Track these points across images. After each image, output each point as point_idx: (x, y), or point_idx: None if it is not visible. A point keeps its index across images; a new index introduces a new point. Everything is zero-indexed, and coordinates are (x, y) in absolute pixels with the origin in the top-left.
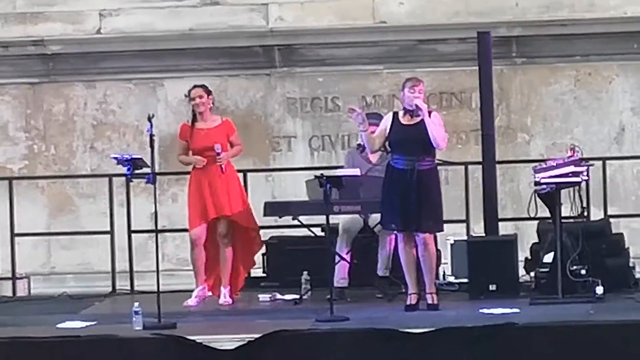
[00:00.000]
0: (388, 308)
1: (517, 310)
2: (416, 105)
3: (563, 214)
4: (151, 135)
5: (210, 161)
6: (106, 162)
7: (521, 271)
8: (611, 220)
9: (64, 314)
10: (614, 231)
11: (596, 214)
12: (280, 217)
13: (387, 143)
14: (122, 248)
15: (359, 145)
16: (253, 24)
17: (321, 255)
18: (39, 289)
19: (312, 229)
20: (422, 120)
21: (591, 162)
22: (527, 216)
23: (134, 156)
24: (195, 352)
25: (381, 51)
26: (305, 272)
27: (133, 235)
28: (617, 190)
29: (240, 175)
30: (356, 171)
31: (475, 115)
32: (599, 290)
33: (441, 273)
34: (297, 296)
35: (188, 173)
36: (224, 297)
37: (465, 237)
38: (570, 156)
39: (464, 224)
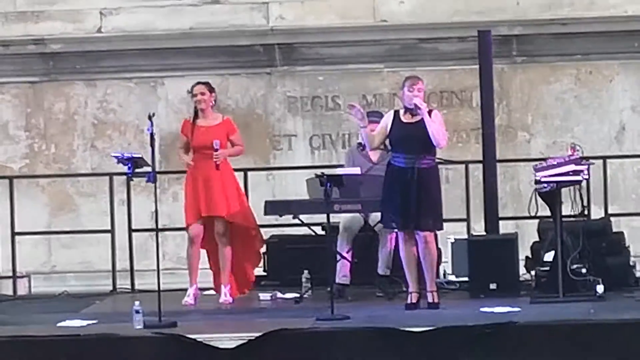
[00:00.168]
0: (388, 307)
1: (517, 309)
2: (415, 105)
3: (563, 213)
4: (152, 134)
5: (209, 159)
6: (107, 161)
7: (522, 270)
8: (612, 218)
9: (65, 312)
10: (614, 230)
11: (597, 213)
12: (280, 216)
13: (387, 141)
14: (123, 247)
15: (359, 144)
16: (254, 22)
17: (322, 254)
18: (39, 288)
19: (312, 227)
20: (423, 118)
21: (592, 160)
22: (528, 215)
23: (134, 155)
24: (195, 350)
25: (382, 50)
26: (305, 271)
27: (133, 234)
28: (617, 188)
29: (241, 174)
30: (357, 170)
31: (475, 114)
32: (600, 289)
33: (442, 272)
34: (298, 295)
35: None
36: (225, 296)
37: (465, 236)
38: (571, 155)
39: (465, 223)
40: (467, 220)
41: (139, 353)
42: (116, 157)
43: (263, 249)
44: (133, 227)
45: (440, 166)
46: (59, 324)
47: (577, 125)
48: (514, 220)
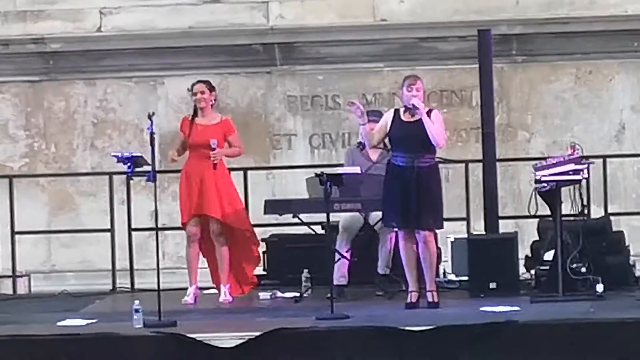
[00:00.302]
0: (388, 306)
1: (517, 308)
2: (413, 105)
3: (563, 212)
4: (151, 133)
5: (205, 158)
6: (106, 160)
7: (521, 269)
8: (611, 218)
9: (65, 311)
10: (614, 229)
11: (596, 212)
12: (280, 215)
13: (387, 140)
14: (123, 246)
15: (359, 143)
16: (253, 21)
17: (321, 253)
18: (39, 287)
19: (312, 226)
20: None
21: (591, 160)
22: (528, 214)
23: (134, 154)
24: (195, 350)
25: (382, 49)
26: (305, 270)
27: (133, 233)
28: (617, 188)
29: (241, 173)
30: (356, 169)
31: (475, 113)
32: (600, 288)
33: (441, 271)
34: (298, 294)
35: None
36: (224, 295)
37: (465, 235)
38: (571, 154)
39: (465, 222)
40: (467, 219)
41: (138, 352)
42: (116, 156)
43: (262, 249)
44: (133, 226)
45: (440, 165)
46: (59, 323)
47: (577, 124)
48: (514, 220)
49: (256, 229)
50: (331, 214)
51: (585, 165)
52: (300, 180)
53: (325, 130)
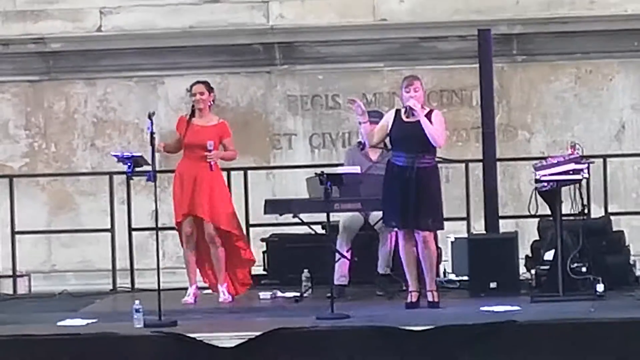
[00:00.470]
0: (388, 306)
1: (517, 307)
2: (408, 107)
3: (563, 212)
4: (152, 133)
5: (199, 159)
6: (106, 159)
7: (522, 269)
8: (612, 217)
9: (65, 311)
10: (614, 229)
11: (597, 212)
12: (280, 215)
13: (387, 140)
14: (123, 246)
15: (359, 142)
16: (254, 21)
17: (322, 253)
18: (39, 287)
19: (312, 226)
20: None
21: (592, 159)
22: (528, 214)
23: (134, 154)
24: (195, 349)
25: (382, 49)
26: (305, 270)
27: (133, 233)
28: (617, 187)
29: (241, 173)
30: (356, 169)
31: (475, 113)
32: (600, 287)
33: (442, 271)
34: (298, 294)
35: None
36: (223, 295)
37: (465, 235)
38: (571, 154)
39: (465, 222)
40: (467, 219)
41: (139, 352)
42: (116, 156)
43: (263, 249)
44: (133, 226)
45: (440, 165)
46: (59, 323)
47: (577, 124)
48: (514, 219)
49: (256, 229)
50: (331, 214)
51: (586, 165)
52: (300, 180)
53: (325, 130)
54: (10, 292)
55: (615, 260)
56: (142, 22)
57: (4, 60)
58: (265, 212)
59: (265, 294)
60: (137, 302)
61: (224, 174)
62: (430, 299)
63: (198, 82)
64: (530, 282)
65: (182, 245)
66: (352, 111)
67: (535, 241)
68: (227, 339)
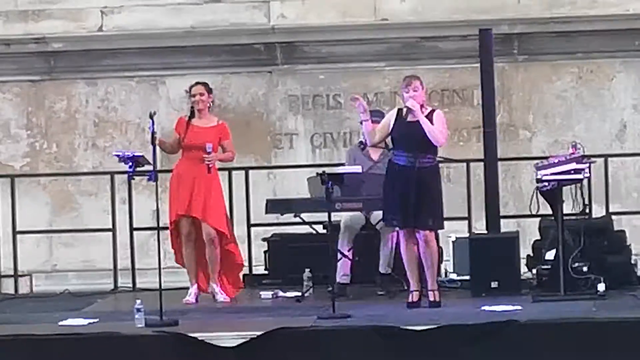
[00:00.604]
0: (390, 305)
1: (519, 307)
2: (407, 107)
3: (565, 211)
4: (153, 133)
5: (199, 160)
6: (108, 159)
7: (523, 268)
8: (613, 217)
9: (66, 311)
10: (615, 228)
11: (598, 211)
12: (282, 215)
13: (389, 139)
14: (124, 245)
15: (360, 142)
16: (255, 21)
17: (323, 253)
18: (41, 287)
19: (313, 226)
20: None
21: (593, 159)
22: (529, 213)
23: (135, 154)
24: (197, 349)
25: (383, 48)
26: (307, 270)
27: (135, 232)
28: (618, 187)
29: (242, 172)
30: (358, 168)
31: (476, 113)
32: (601, 287)
33: (443, 270)
34: (299, 293)
35: None
36: (220, 294)
37: (467, 235)
38: (572, 153)
39: (466, 221)
40: (468, 218)
41: (140, 352)
42: (117, 155)
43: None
44: (134, 225)
45: (441, 165)
46: (61, 323)
47: (579, 123)
48: (516, 219)
49: (257, 229)
50: (332, 214)
51: (587, 165)
52: (301, 179)
53: (326, 129)
54: (12, 291)
55: (616, 259)
56: (144, 21)
57: (5, 60)
58: (266, 212)
59: (266, 294)
60: (138, 301)
61: (225, 173)
62: (431, 298)
63: (197, 83)
64: (532, 282)
65: (172, 246)
66: (354, 109)
67: (536, 241)
68: (228, 339)
